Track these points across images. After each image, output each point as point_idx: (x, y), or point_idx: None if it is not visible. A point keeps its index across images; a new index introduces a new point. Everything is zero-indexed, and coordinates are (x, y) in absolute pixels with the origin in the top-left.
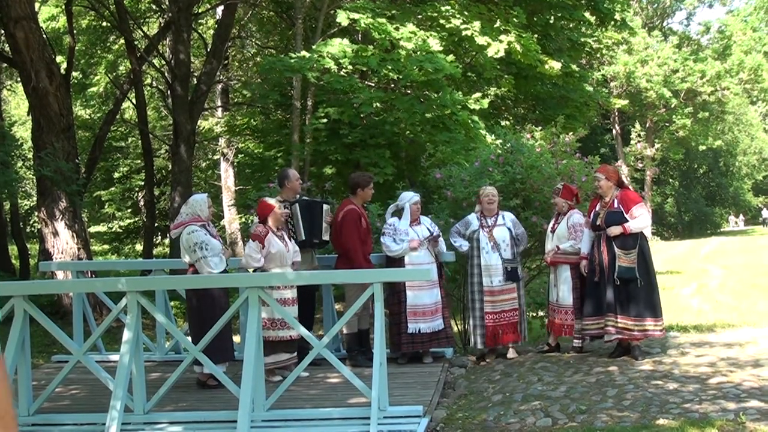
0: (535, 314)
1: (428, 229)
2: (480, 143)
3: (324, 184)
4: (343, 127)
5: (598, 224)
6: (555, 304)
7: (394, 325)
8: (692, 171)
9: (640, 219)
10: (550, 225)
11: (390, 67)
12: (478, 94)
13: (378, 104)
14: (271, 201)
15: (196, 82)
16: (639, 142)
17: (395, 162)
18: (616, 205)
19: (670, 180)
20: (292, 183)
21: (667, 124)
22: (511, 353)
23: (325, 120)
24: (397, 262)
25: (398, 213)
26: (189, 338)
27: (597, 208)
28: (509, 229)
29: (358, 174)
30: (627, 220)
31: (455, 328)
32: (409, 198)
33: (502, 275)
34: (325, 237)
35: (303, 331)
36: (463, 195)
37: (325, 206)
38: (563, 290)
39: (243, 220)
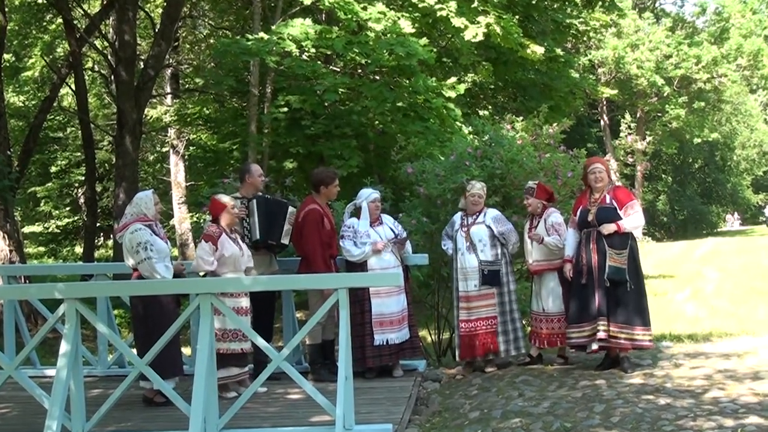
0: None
1: (392, 229)
2: (456, 134)
3: (284, 179)
4: (306, 116)
5: (589, 220)
6: (541, 314)
7: (357, 337)
8: (686, 166)
9: (634, 217)
10: (526, 229)
11: (357, 51)
12: (453, 80)
13: (344, 91)
14: (224, 198)
15: (142, 66)
16: (629, 134)
17: (363, 154)
18: (608, 201)
19: (663, 176)
20: (253, 178)
21: (659, 115)
22: (489, 367)
23: (285, 109)
24: (359, 267)
25: (358, 213)
26: (134, 350)
27: (586, 205)
28: (488, 227)
29: (321, 170)
30: (620, 218)
31: (428, 339)
32: (366, 195)
33: (479, 279)
34: (284, 240)
35: (261, 342)
36: (437, 192)
37: (290, 209)
38: (549, 298)
39: (195, 219)
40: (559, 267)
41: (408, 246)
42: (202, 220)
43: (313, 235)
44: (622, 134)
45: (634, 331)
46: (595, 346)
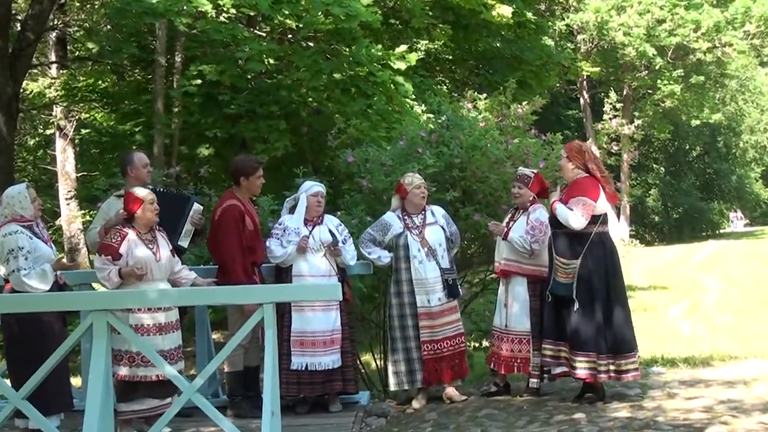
0: (478, 344)
1: (331, 231)
2: (406, 115)
3: (198, 169)
4: (224, 92)
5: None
6: (503, 330)
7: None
8: (683, 154)
9: (565, 212)
10: (504, 225)
11: (286, 12)
12: (403, 47)
13: (271, 61)
14: (141, 192)
15: (19, 28)
16: (614, 116)
17: (294, 139)
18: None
19: (654, 166)
20: (137, 170)
21: (649, 92)
22: (451, 392)
23: (199, 82)
24: (286, 273)
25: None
26: (8, 381)
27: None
28: (443, 228)
29: (241, 158)
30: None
31: (373, 365)
32: (307, 187)
33: (443, 291)
34: (182, 243)
35: (168, 369)
36: (383, 185)
37: (195, 206)
38: (515, 310)
39: (88, 217)
40: (530, 274)
41: (346, 252)
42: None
43: (231, 237)
44: (605, 116)
45: (620, 359)
46: (557, 371)
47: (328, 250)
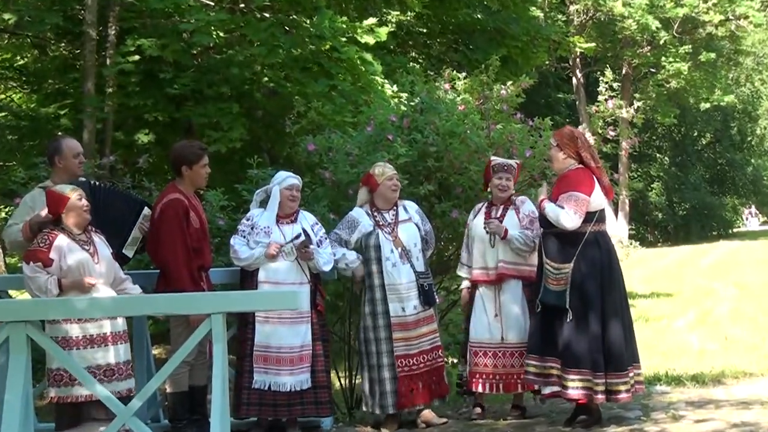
0: (456, 359)
1: (305, 231)
2: (375, 97)
3: (136, 159)
4: (166, 69)
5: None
6: (494, 344)
7: (240, 373)
8: (690, 142)
9: (556, 212)
10: (475, 222)
11: None
12: (372, 20)
13: (220, 34)
14: (65, 189)
15: None
16: (611, 97)
17: (248, 123)
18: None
19: (657, 155)
20: (66, 161)
21: (652, 71)
22: (427, 415)
23: (136, 58)
24: (250, 279)
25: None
26: None
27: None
28: (417, 225)
29: (182, 144)
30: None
31: (337, 384)
32: (280, 179)
33: (418, 297)
34: (128, 252)
35: (100, 390)
36: (348, 177)
37: (146, 211)
38: (512, 319)
39: (3, 214)
40: (526, 276)
41: (320, 256)
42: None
43: (174, 236)
44: (601, 98)
45: (617, 376)
46: (546, 391)
47: (297, 251)
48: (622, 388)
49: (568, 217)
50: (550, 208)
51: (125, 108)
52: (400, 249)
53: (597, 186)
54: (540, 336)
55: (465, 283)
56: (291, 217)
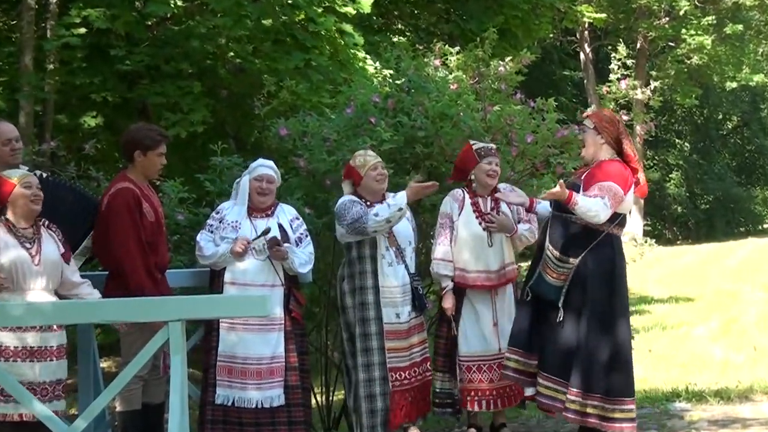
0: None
1: (281, 226)
2: (356, 74)
3: (82, 145)
4: (117, 43)
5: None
6: (491, 356)
7: (205, 389)
8: (714, 125)
9: (593, 203)
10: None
11: None
12: None
13: (179, 3)
14: (12, 175)
15: None
16: (624, 77)
17: (211, 104)
18: (583, 177)
19: (677, 141)
20: None
21: (671, 45)
22: None
23: (83, 31)
24: (217, 280)
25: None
26: None
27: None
28: (408, 221)
29: (139, 127)
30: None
31: (314, 402)
32: (252, 168)
33: (410, 303)
34: (77, 261)
35: (38, 408)
36: (325, 166)
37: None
38: (507, 326)
39: None
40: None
41: (296, 255)
42: None
43: (125, 230)
44: (612, 77)
45: (589, 400)
46: (528, 392)
47: (268, 249)
48: (618, 415)
49: (606, 208)
50: (584, 201)
51: (69, 87)
52: (394, 248)
53: (632, 187)
54: (528, 328)
55: (450, 284)
56: (267, 210)
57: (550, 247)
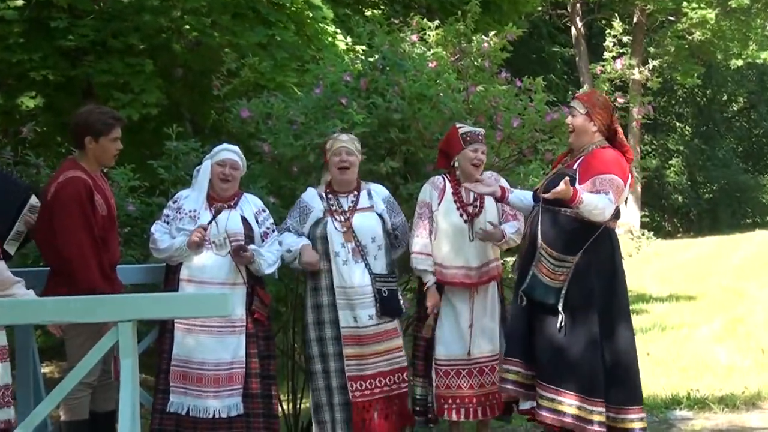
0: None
1: (246, 220)
2: (325, 51)
3: (19, 128)
4: (58, 16)
5: (535, 190)
6: (465, 361)
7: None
8: (718, 107)
9: (597, 199)
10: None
11: None
12: None
13: None
14: None
15: None
16: (619, 54)
17: (165, 85)
18: (575, 166)
19: (677, 125)
20: None
21: (671, 20)
22: None
23: (20, 2)
24: (172, 277)
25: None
26: None
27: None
28: (380, 216)
29: (90, 110)
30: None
31: (281, 409)
32: (214, 152)
33: (374, 305)
34: (10, 248)
35: None
36: (292, 152)
37: (33, 200)
38: (487, 327)
39: None
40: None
41: (269, 257)
42: None
43: (75, 224)
44: (607, 54)
45: (586, 403)
46: (525, 405)
47: (233, 253)
48: (637, 425)
49: (611, 204)
50: (589, 199)
51: (5, 65)
52: (352, 243)
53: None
54: (526, 335)
55: (431, 279)
56: (229, 200)
57: (544, 246)
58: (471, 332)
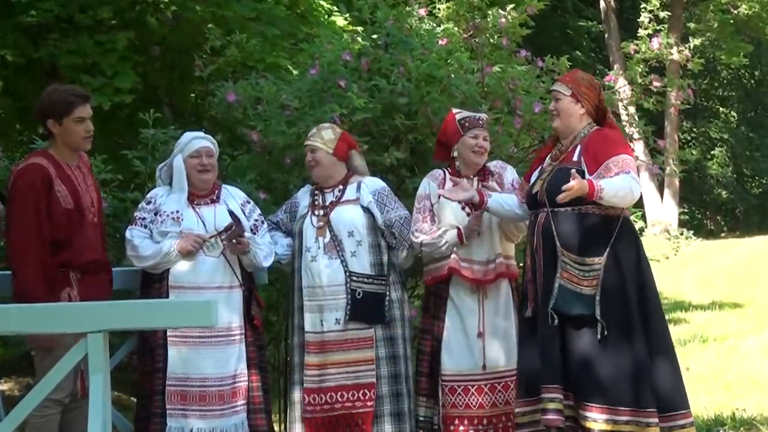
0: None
1: (232, 214)
2: (322, 28)
3: None
4: None
5: (535, 194)
6: (476, 376)
7: (141, 419)
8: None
9: (619, 180)
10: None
11: None
12: None
13: None
14: None
15: None
16: (656, 31)
17: (141, 66)
18: (575, 157)
19: (721, 111)
20: None
21: None
22: None
23: None
24: (157, 283)
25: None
26: None
27: (544, 164)
28: (366, 208)
29: (53, 89)
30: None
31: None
32: (182, 145)
33: (344, 307)
34: None
35: None
36: (284, 140)
37: None
38: (499, 336)
39: None
40: (514, 273)
41: (264, 247)
42: None
43: (23, 218)
44: (641, 31)
45: (646, 417)
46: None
47: (228, 243)
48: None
49: (636, 183)
50: (610, 185)
51: None
52: (326, 238)
53: None
54: (562, 359)
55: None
56: (211, 195)
57: (565, 252)
58: (483, 341)
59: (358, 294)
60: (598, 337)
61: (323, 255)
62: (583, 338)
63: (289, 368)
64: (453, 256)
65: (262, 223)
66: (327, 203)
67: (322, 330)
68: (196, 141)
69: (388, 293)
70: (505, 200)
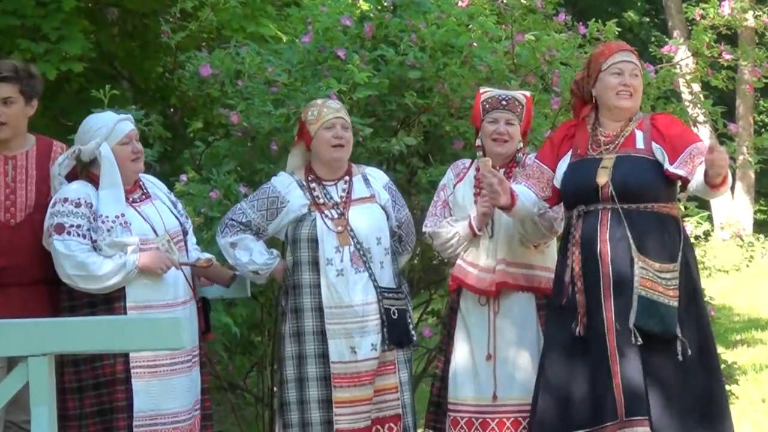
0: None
1: (175, 215)
2: None
3: None
4: None
5: (599, 186)
6: (485, 407)
7: None
8: None
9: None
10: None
11: None
12: None
13: None
14: None
15: None
16: None
17: (94, 29)
18: (640, 143)
19: None
20: None
21: None
22: None
23: None
24: (119, 302)
25: (90, 174)
26: None
27: (585, 149)
28: (385, 209)
29: None
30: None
31: None
32: (106, 132)
33: (380, 330)
34: None
35: None
36: (270, 123)
37: None
38: (515, 361)
39: None
40: (539, 287)
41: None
42: None
43: None
44: None
45: None
46: None
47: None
48: None
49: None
50: (698, 183)
51: None
52: (351, 247)
53: None
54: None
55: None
56: (138, 189)
57: (642, 258)
58: (493, 366)
59: (393, 313)
60: (680, 355)
61: (349, 267)
62: (660, 356)
63: (284, 404)
64: (459, 261)
65: (187, 219)
66: (335, 201)
67: (354, 359)
68: (123, 124)
69: (408, 308)
70: (525, 195)
